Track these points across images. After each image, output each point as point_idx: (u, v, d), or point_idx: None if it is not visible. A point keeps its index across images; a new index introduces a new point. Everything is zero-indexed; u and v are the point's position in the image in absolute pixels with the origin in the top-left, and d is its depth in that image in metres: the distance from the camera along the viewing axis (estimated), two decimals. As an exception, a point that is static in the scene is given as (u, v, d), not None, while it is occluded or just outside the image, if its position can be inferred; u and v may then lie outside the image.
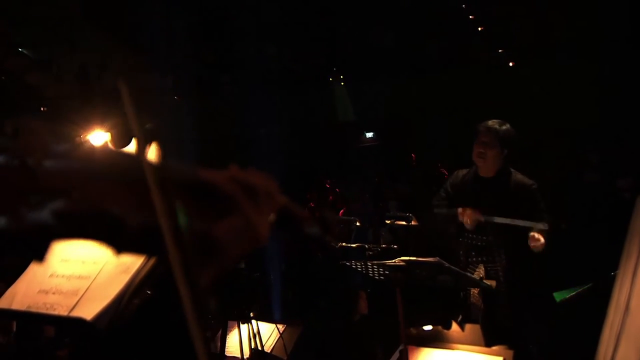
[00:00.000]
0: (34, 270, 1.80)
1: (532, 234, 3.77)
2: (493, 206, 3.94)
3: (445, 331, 3.03)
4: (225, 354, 3.30)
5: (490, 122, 4.04)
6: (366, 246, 4.40)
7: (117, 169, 0.74)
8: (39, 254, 0.72)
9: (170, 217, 0.74)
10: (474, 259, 3.96)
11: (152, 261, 1.68)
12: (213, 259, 0.84)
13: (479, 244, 3.92)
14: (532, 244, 3.76)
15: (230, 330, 3.47)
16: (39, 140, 0.66)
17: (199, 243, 0.83)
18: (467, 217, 3.91)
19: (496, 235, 3.94)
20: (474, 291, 3.93)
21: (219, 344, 3.14)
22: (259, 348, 3.10)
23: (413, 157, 8.76)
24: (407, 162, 10.12)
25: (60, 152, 0.68)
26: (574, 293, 3.28)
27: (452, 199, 4.18)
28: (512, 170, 4.07)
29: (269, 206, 0.89)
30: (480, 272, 3.91)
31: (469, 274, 3.75)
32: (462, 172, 4.23)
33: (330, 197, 9.42)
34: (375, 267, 4.07)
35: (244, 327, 3.15)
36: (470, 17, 8.62)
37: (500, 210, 3.90)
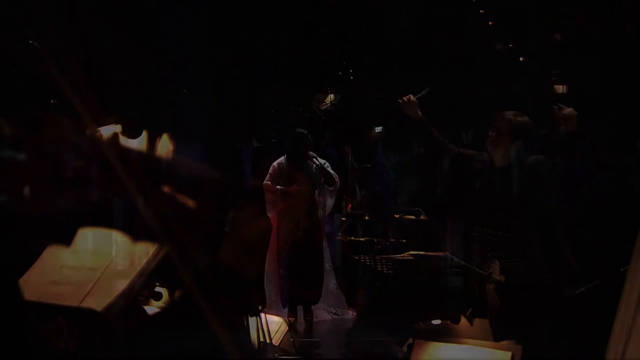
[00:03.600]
0: (44, 261, 1.80)
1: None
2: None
3: (454, 325, 3.02)
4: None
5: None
6: (375, 240, 4.41)
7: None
8: (66, 239, 0.75)
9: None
10: (489, 255, 3.91)
11: (161, 254, 1.69)
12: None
13: (493, 239, 3.88)
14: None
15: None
16: (62, 132, 0.67)
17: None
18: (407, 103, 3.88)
19: (509, 230, 3.91)
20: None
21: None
22: (267, 341, 3.11)
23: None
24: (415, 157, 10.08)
25: (83, 143, 0.69)
26: (583, 288, 3.27)
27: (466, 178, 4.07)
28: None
29: None
30: (495, 268, 3.86)
31: (477, 269, 3.73)
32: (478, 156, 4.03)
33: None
34: (383, 261, 4.07)
35: (252, 321, 3.16)
36: (481, 11, 8.57)
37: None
